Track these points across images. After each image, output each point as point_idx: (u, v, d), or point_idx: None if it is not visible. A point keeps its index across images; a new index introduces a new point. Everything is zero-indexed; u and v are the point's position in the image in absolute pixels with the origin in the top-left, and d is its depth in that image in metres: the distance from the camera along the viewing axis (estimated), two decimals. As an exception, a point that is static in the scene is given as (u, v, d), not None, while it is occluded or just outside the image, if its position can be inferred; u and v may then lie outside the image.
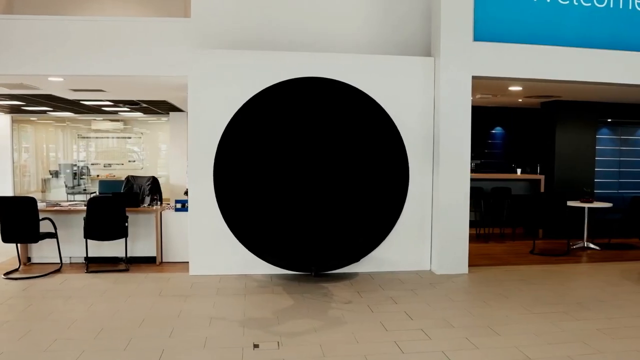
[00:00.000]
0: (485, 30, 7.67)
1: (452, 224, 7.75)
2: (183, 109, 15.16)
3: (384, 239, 7.71)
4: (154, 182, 9.21)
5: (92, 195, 8.33)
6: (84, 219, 7.64)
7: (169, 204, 8.80)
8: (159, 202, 8.53)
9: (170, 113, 16.64)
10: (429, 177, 7.91)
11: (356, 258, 7.57)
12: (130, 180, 9.41)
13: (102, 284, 7.00)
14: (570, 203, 9.59)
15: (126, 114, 17.02)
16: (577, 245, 9.84)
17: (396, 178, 7.70)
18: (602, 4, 7.94)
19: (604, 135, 11.50)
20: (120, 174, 18.11)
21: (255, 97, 7.43)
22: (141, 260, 8.32)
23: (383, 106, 7.64)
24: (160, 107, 15.10)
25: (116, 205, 7.71)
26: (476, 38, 7.66)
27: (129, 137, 18.90)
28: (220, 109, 7.43)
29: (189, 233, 7.58)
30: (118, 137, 18.83)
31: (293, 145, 7.44)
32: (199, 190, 7.49)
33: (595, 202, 9.81)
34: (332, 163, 7.47)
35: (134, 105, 13.92)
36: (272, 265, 7.60)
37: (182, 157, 16.78)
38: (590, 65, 8.00)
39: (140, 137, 18.87)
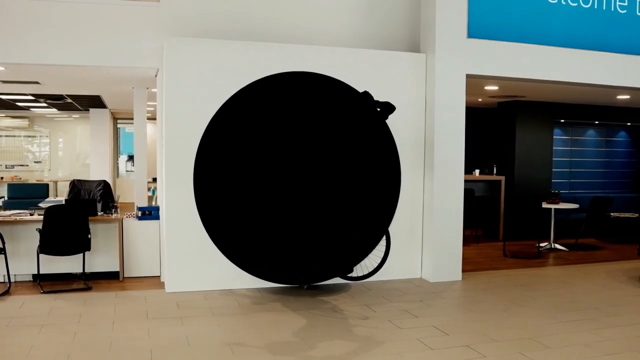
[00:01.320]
0: (481, 26, 7.50)
1: (446, 229, 7.51)
2: (110, 105, 14.00)
3: (375, 246, 7.32)
4: (106, 187, 8.25)
5: (49, 204, 7.31)
6: (40, 232, 6.64)
7: (128, 212, 7.91)
8: (116, 210, 7.63)
9: (91, 110, 15.35)
10: (420, 181, 7.63)
11: (349, 268, 7.12)
12: (77, 185, 8.37)
13: (70, 306, 6.09)
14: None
15: (37, 110, 15.45)
16: (543, 247, 9.99)
17: (387, 182, 7.35)
18: (587, 4, 8.03)
19: (556, 135, 11.81)
20: (26, 176, 16.46)
21: (238, 93, 6.80)
22: (100, 276, 7.39)
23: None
24: (82, 103, 13.83)
25: (79, 214, 6.78)
26: (470, 35, 7.47)
27: (33, 136, 17.22)
28: (200, 106, 6.72)
29: (164, 245, 6.80)
30: (20, 136, 17.06)
31: (279, 148, 6.87)
32: (176, 197, 6.74)
33: (561, 203, 10.02)
34: (321, 165, 6.98)
35: (56, 100, 12.61)
36: (255, 279, 6.99)
37: (106, 158, 15.53)
38: (587, 67, 8.08)
39: (48, 136, 17.24)
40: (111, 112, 15.74)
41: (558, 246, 10.00)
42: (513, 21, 7.65)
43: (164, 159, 6.79)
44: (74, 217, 6.75)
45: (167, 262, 6.77)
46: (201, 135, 6.73)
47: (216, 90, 6.76)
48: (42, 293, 6.61)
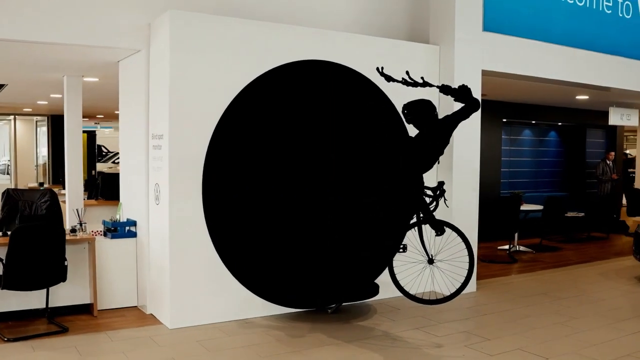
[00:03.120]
0: (497, 19, 7.15)
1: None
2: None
3: (391, 259, 6.66)
4: (53, 199, 6.64)
5: (18, 225, 5.72)
6: (3, 261, 5.10)
7: (93, 230, 6.47)
8: (83, 227, 6.17)
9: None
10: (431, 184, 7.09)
11: (374, 287, 6.36)
12: (13, 195, 6.64)
13: (58, 357, 4.72)
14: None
15: None
16: (507, 249, 9.97)
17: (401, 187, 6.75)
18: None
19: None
20: None
21: (251, 85, 5.80)
22: (64, 312, 5.94)
23: (393, 101, 6.61)
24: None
25: (55, 237, 5.34)
26: (485, 28, 7.09)
27: None
28: (203, 101, 5.62)
29: (169, 271, 5.57)
30: None
31: (296, 150, 6.01)
32: (181, 212, 5.56)
33: (524, 205, 10.08)
34: (344, 173, 6.22)
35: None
36: (267, 305, 6.02)
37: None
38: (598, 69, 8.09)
39: None
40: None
41: (522, 248, 10.04)
42: (531, 16, 7.41)
43: (166, 164, 5.56)
44: (49, 241, 5.30)
45: (171, 292, 5.56)
46: (210, 136, 5.64)
47: (221, 80, 5.70)
48: (5, 341, 5.10)
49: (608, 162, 12.40)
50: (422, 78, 5.16)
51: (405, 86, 5.29)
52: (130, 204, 6.49)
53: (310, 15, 6.71)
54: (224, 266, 5.76)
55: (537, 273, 8.37)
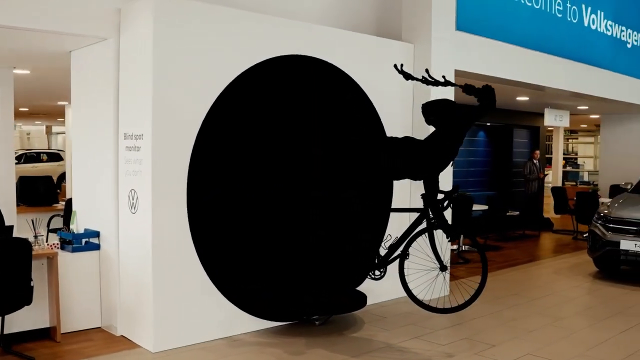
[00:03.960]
0: (468, 19, 7.14)
1: (438, 239, 6.99)
2: None
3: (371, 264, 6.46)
4: (-8, 206, 5.77)
5: None
6: (-38, 283, 4.36)
7: (52, 243, 5.72)
8: (39, 239, 5.43)
9: None
10: (407, 187, 6.97)
11: (362, 297, 6.08)
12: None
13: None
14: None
15: None
16: (452, 248, 10.08)
17: (379, 191, 6.60)
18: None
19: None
20: None
21: (236, 81, 5.39)
22: (23, 338, 5.20)
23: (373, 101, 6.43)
24: None
25: (19, 253, 4.63)
26: (459, 27, 7.07)
27: None
28: (189, 97, 5.15)
29: (152, 288, 5.01)
30: None
31: (282, 151, 5.66)
32: (165, 222, 5.04)
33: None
34: (326, 170, 5.95)
35: None
36: (253, 319, 5.62)
37: None
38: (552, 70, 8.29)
39: None
40: None
41: (466, 248, 10.19)
42: (498, 17, 7.47)
43: (147, 168, 5.00)
44: (15, 258, 4.59)
45: (154, 311, 5.01)
46: (195, 136, 5.16)
47: (214, 71, 5.25)
48: (-36, 379, 4.36)
49: (534, 161, 12.94)
50: (443, 77, 4.99)
51: (426, 85, 5.10)
52: (89, 213, 5.82)
53: (279, 5, 6.32)
54: (209, 279, 5.30)
55: (495, 273, 8.49)
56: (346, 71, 6.19)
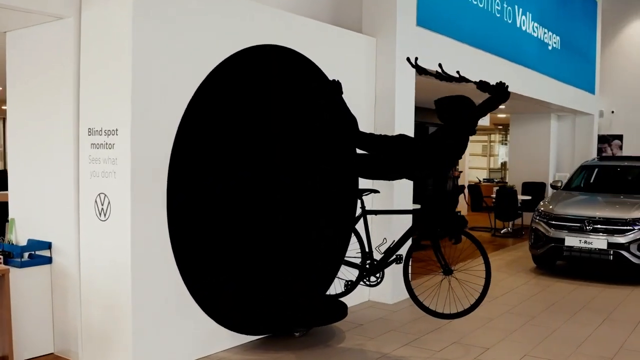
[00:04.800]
0: (427, 15, 7.07)
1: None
2: None
3: (338, 269, 6.21)
4: None
5: None
6: None
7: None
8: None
9: None
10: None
11: (344, 307, 5.78)
12: None
13: None
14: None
15: None
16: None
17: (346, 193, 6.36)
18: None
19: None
20: None
21: (213, 72, 4.92)
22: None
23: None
24: None
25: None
26: (419, 23, 6.98)
27: None
28: (169, 86, 4.64)
29: (131, 308, 4.41)
30: None
31: (255, 153, 5.26)
32: (145, 230, 4.48)
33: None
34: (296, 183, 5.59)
35: None
36: (231, 335, 5.18)
37: None
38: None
39: None
40: None
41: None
42: (454, 15, 7.47)
43: (125, 168, 4.40)
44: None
45: (134, 333, 4.42)
46: (175, 131, 4.64)
47: (197, 57, 4.75)
48: None
49: (450, 159, 13.25)
50: (457, 72, 4.81)
51: (439, 80, 4.90)
52: (33, 221, 5.06)
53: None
54: (188, 293, 4.78)
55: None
56: (314, 61, 5.87)
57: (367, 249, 5.47)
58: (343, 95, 5.26)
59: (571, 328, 5.89)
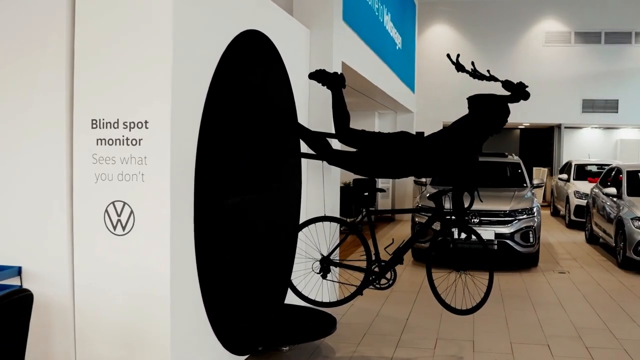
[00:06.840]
0: (353, 12, 7.15)
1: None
2: None
3: (290, 274, 6.00)
4: None
5: None
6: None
7: None
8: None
9: None
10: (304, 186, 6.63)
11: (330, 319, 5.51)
12: None
13: None
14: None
15: None
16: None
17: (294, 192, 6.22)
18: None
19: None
20: None
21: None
22: None
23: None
24: None
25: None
26: (344, 18, 7.01)
27: None
28: (198, 68, 4.11)
29: (170, 343, 3.76)
30: None
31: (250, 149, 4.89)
32: (180, 244, 3.88)
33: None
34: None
35: None
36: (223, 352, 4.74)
37: None
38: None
39: None
40: None
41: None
42: (359, 12, 7.61)
43: (164, 170, 3.74)
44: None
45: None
46: (199, 121, 4.12)
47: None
48: None
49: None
50: (488, 71, 4.92)
51: (473, 78, 4.96)
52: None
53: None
54: (206, 317, 4.24)
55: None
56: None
57: (373, 251, 5.28)
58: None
59: (554, 315, 6.46)
